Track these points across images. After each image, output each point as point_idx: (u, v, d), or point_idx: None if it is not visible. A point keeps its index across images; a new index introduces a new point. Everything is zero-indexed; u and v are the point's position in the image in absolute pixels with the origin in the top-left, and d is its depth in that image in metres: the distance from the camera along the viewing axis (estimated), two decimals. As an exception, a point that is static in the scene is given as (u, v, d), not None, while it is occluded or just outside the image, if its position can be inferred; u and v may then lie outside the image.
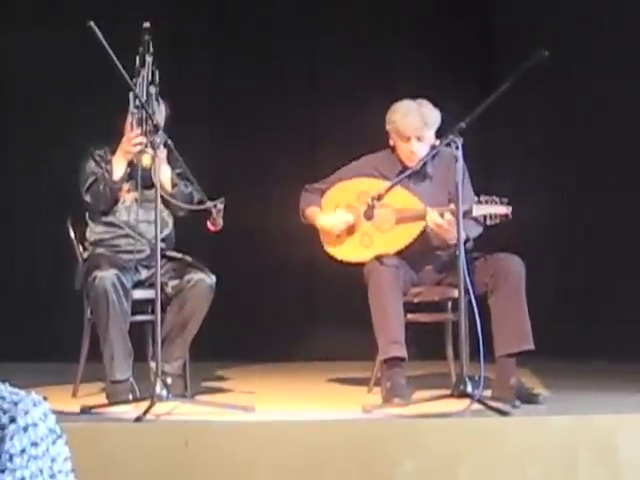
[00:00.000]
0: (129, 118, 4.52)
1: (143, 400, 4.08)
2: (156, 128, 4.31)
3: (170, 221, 4.83)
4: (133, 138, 4.53)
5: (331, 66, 6.58)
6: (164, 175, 4.58)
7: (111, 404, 4.31)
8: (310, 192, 4.95)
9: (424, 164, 4.76)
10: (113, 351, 4.42)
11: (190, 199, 4.66)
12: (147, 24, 4.39)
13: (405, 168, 4.77)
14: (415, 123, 4.72)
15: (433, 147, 4.67)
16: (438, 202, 4.71)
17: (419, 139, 4.75)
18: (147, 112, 4.33)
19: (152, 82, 4.45)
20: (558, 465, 3.84)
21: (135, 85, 4.37)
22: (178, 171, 4.67)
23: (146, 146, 4.45)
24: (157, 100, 4.47)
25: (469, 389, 4.07)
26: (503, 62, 6.12)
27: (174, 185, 4.67)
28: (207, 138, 6.33)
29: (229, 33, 6.55)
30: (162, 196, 4.34)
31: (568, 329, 6.03)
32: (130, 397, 4.36)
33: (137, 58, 4.41)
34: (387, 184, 4.62)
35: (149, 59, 4.43)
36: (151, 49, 4.43)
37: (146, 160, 4.47)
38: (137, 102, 4.39)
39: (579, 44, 6.13)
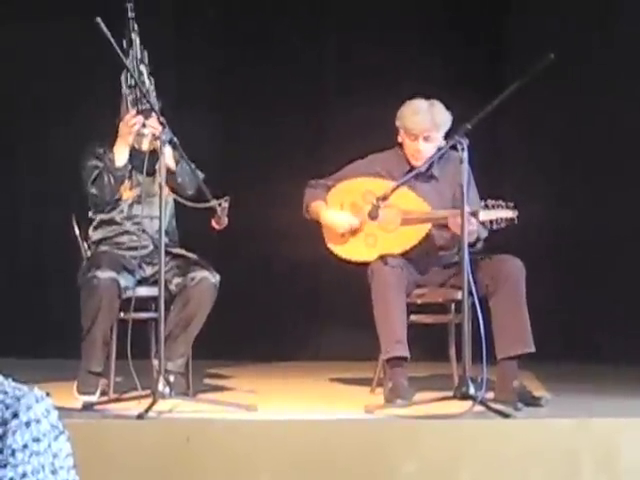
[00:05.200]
0: (123, 102, 4.52)
1: (145, 397, 4.08)
2: (151, 106, 4.32)
3: (170, 216, 4.79)
4: (129, 119, 4.52)
5: (339, 64, 6.56)
6: (166, 153, 4.57)
7: (80, 393, 4.41)
8: (315, 187, 4.91)
9: (430, 165, 4.74)
10: (94, 342, 4.46)
11: (195, 176, 4.54)
12: (130, 3, 4.40)
13: (412, 168, 4.75)
14: (424, 122, 4.70)
15: (439, 148, 4.66)
16: (443, 203, 4.70)
17: (426, 139, 4.72)
18: (141, 90, 4.37)
19: (142, 61, 4.45)
20: (560, 468, 3.84)
21: (126, 66, 4.38)
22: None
23: (143, 126, 4.45)
24: (149, 79, 4.47)
25: (471, 391, 4.06)
26: (511, 63, 6.11)
27: (177, 162, 4.60)
28: (212, 135, 6.32)
29: (234, 32, 6.53)
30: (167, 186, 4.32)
31: (571, 332, 6.03)
32: (98, 392, 4.43)
33: (124, 40, 4.43)
34: (393, 184, 4.62)
35: (135, 37, 4.44)
36: (135, 27, 4.43)
37: (146, 144, 4.46)
38: (129, 82, 4.41)
39: (588, 46, 6.12)
